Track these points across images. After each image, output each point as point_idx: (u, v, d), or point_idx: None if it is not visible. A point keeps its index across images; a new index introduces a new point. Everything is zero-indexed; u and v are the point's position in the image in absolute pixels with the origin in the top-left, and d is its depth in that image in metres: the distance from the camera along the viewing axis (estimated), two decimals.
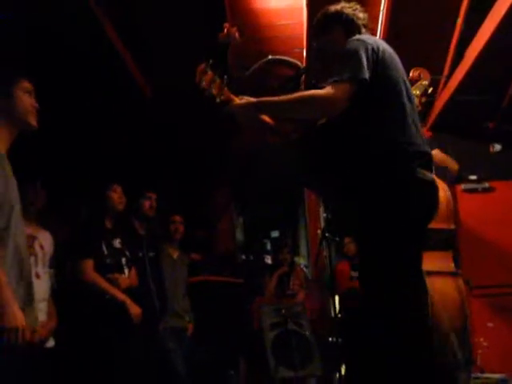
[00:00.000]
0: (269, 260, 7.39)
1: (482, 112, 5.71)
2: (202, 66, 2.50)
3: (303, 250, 8.19)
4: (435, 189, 2.43)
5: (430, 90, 3.76)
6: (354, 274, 6.07)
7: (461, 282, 3.57)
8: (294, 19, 5.13)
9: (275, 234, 8.43)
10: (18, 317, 2.26)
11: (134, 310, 3.86)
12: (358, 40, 2.49)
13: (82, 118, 5.06)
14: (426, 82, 3.70)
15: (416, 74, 3.71)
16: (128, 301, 3.85)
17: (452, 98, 5.40)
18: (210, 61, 2.50)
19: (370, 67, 2.38)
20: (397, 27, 4.94)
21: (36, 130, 2.59)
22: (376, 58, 2.42)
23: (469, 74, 4.92)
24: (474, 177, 5.77)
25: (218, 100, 2.49)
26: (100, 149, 5.44)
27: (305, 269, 6.91)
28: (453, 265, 3.61)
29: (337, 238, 5.16)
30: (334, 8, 2.76)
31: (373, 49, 2.43)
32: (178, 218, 5.11)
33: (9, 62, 2.72)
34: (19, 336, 2.25)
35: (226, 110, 2.51)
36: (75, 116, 4.92)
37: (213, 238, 6.19)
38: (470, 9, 4.87)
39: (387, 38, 4.94)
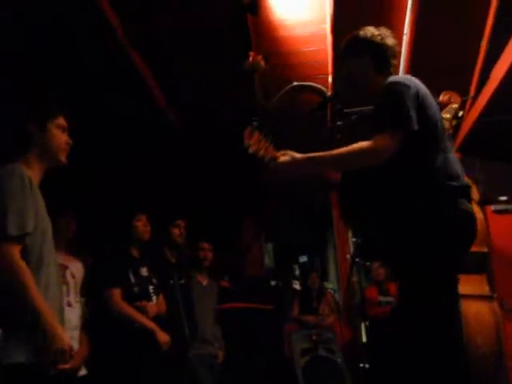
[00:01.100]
0: (297, 285, 7.35)
1: (510, 132, 5.66)
2: (248, 128, 2.55)
3: (332, 274, 8.15)
4: (475, 219, 2.47)
5: (461, 114, 3.75)
6: (383, 298, 6.02)
7: (496, 305, 3.52)
8: (318, 45, 5.17)
9: (303, 258, 8.41)
10: (64, 339, 2.29)
11: (163, 337, 3.86)
12: (402, 84, 2.51)
13: (109, 148, 5.14)
14: (456, 106, 3.70)
15: (446, 97, 3.72)
16: (156, 328, 3.85)
17: (479, 119, 5.37)
18: (255, 123, 2.56)
19: (416, 113, 2.42)
20: (421, 50, 4.95)
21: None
22: (418, 102, 2.46)
23: (495, 95, 4.90)
24: (504, 198, 5.70)
25: (266, 160, 2.55)
26: (127, 178, 5.52)
27: (334, 294, 6.86)
28: (488, 288, 3.57)
29: (367, 263, 5.13)
30: (363, 34, 2.75)
31: (416, 93, 2.47)
32: (206, 246, 5.13)
33: (46, 97, 2.77)
34: (66, 358, 2.28)
35: (270, 168, 2.56)
36: (101, 146, 5.01)
37: (242, 264, 6.19)
38: (494, 30, 4.87)
39: (411, 60, 4.95)
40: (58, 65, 4.16)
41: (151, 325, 3.85)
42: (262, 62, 5.01)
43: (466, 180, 2.52)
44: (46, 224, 2.53)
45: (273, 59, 5.12)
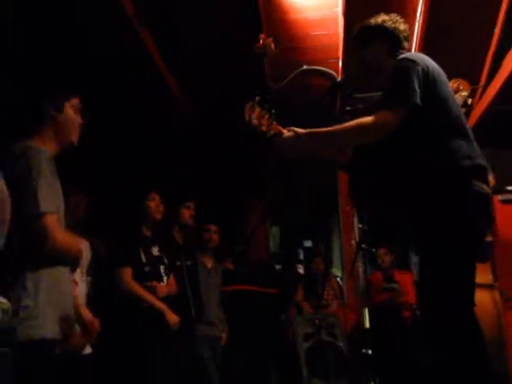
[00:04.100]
0: (301, 269, 7.37)
1: None
2: (250, 103, 2.53)
3: (336, 260, 8.16)
4: (491, 201, 2.43)
5: (470, 101, 3.73)
6: (387, 285, 6.04)
7: (497, 294, 3.53)
8: (329, 29, 5.14)
9: (308, 243, 8.42)
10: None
11: (172, 318, 3.88)
12: (409, 60, 2.50)
13: (122, 130, 5.15)
14: (465, 93, 3.68)
15: (455, 85, 3.69)
16: (166, 309, 3.87)
17: (489, 108, 5.34)
18: (257, 97, 2.54)
19: (421, 88, 2.40)
20: (433, 35, 4.91)
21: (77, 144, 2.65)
22: (426, 78, 2.45)
23: (506, 84, 4.87)
24: (511, 188, 5.67)
25: (268, 135, 2.53)
26: (139, 159, 5.53)
27: (338, 279, 6.87)
28: (491, 277, 3.57)
29: (373, 250, 5.14)
30: (374, 21, 2.76)
31: (423, 69, 2.45)
32: (212, 227, 5.14)
33: (63, 79, 2.80)
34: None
35: (276, 143, 2.54)
36: (115, 127, 5.02)
37: (247, 247, 6.20)
38: (508, 18, 4.82)
39: (423, 45, 4.92)
40: (72, 46, 4.16)
41: (161, 305, 3.87)
42: (272, 45, 4.98)
43: (482, 161, 2.46)
44: (62, 205, 2.55)
45: (283, 42, 5.09)
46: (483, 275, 3.54)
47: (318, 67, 5.36)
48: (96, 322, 2.87)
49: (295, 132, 2.56)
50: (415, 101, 2.39)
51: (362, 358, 5.71)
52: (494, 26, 4.99)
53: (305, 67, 5.35)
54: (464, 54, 5.05)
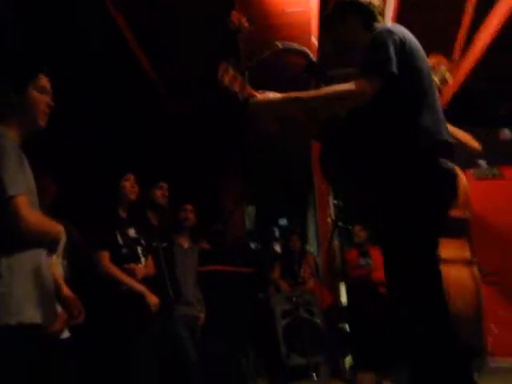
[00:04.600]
0: (278, 248, 7.37)
1: (492, 99, 5.69)
2: (224, 64, 2.50)
3: (312, 237, 8.20)
4: (456, 178, 2.45)
5: (448, 76, 3.73)
6: (363, 261, 6.10)
7: (476, 270, 3.57)
8: (302, 6, 5.10)
9: (283, 221, 8.43)
10: None
11: (152, 299, 3.87)
12: (385, 31, 2.50)
13: (95, 110, 5.06)
14: (444, 68, 3.67)
15: (435, 60, 3.67)
16: (145, 291, 3.86)
17: (462, 85, 5.38)
18: (231, 59, 2.51)
19: (397, 58, 2.40)
20: (406, 11, 4.90)
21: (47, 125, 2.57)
22: (403, 48, 2.45)
23: (479, 61, 4.90)
24: (483, 162, 5.75)
25: (240, 97, 2.50)
26: (112, 140, 5.44)
27: (314, 256, 6.91)
28: (469, 253, 3.62)
29: (349, 227, 5.16)
30: None
31: (400, 39, 2.46)
32: (188, 207, 5.10)
33: (25, 59, 2.68)
34: None
35: (249, 105, 2.51)
36: (87, 107, 4.93)
37: (223, 227, 6.19)
38: None
39: (397, 19, 4.90)
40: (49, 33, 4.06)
41: (140, 288, 3.85)
42: (246, 23, 4.91)
43: (449, 137, 2.48)
44: (33, 186, 2.50)
45: (256, 19, 5.03)
46: (461, 251, 3.58)
47: (292, 45, 5.32)
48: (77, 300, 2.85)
49: (271, 95, 2.53)
50: (392, 69, 2.39)
51: (338, 333, 5.77)
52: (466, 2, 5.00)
53: (279, 45, 5.32)
54: (437, 30, 5.06)
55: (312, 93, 2.49)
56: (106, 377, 3.72)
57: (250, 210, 8.30)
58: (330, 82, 4.26)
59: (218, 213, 6.68)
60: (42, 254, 2.48)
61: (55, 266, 3.01)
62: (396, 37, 2.46)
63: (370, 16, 2.71)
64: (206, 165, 6.66)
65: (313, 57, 5.27)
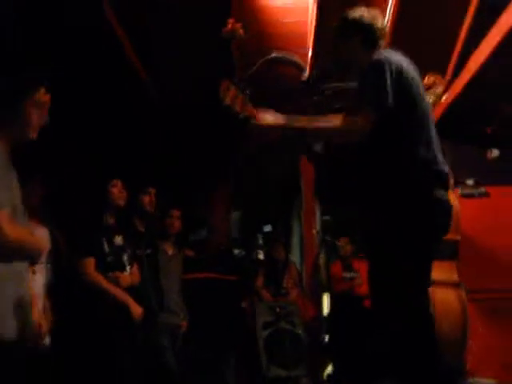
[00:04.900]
0: (261, 255, 7.35)
1: (481, 117, 5.71)
2: (226, 82, 2.48)
3: (295, 246, 8.18)
4: (451, 208, 2.46)
5: (444, 98, 3.75)
6: (346, 274, 6.10)
7: (463, 293, 3.58)
8: (299, 17, 5.07)
9: (268, 227, 8.39)
10: None
11: (136, 309, 3.83)
12: (383, 60, 2.50)
13: (83, 115, 4.99)
14: (440, 90, 3.69)
15: (431, 80, 3.70)
16: (129, 300, 3.81)
17: (453, 103, 5.39)
18: (233, 77, 2.50)
19: (394, 89, 2.43)
20: (402, 28, 4.91)
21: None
22: (400, 78, 2.47)
23: (472, 80, 4.91)
24: (470, 181, 5.79)
25: (241, 116, 2.49)
26: (100, 145, 5.38)
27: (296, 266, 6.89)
28: (456, 276, 3.63)
29: (337, 242, 5.17)
30: (353, 15, 2.76)
31: (397, 68, 2.48)
32: (175, 213, 5.05)
33: (21, 73, 2.59)
34: None
35: (250, 126, 2.50)
36: (75, 112, 4.85)
37: (208, 234, 6.16)
38: (478, 12, 4.84)
39: (393, 35, 4.90)
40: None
41: (124, 297, 3.81)
42: (241, 31, 4.88)
43: (445, 167, 2.51)
44: (18, 200, 2.44)
45: (252, 28, 5.00)
46: (449, 274, 3.60)
47: (286, 55, 5.30)
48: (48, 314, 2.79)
49: (273, 117, 2.53)
50: (388, 103, 2.41)
51: (319, 345, 5.78)
52: (462, 21, 5.02)
53: (273, 55, 5.30)
54: (432, 47, 5.07)
55: (312, 124, 2.50)
56: None
57: (235, 215, 8.27)
58: (323, 94, 4.28)
59: (202, 218, 6.63)
60: (21, 266, 2.42)
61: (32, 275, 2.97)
62: (393, 66, 2.48)
63: (372, 38, 2.72)
64: (195, 169, 6.62)
65: (306, 68, 5.32)
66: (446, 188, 2.51)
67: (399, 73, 2.48)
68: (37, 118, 2.45)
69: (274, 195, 8.42)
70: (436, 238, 2.54)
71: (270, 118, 2.53)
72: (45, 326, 3.41)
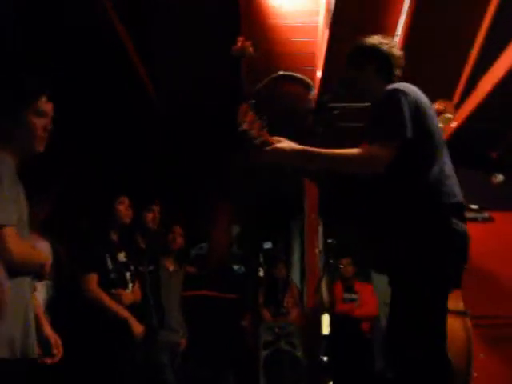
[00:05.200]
0: (261, 272, 7.31)
1: (487, 142, 5.71)
2: (245, 106, 2.46)
3: (296, 264, 8.15)
4: (467, 240, 2.43)
5: (454, 124, 3.73)
6: (347, 295, 6.07)
7: (469, 322, 3.55)
8: (308, 36, 5.09)
9: (268, 244, 8.36)
10: None
11: (137, 327, 3.77)
12: (401, 92, 2.46)
13: (87, 130, 4.97)
14: (450, 116, 3.68)
15: (441, 106, 3.67)
16: (131, 319, 3.76)
17: (459, 127, 5.38)
18: (253, 101, 2.47)
19: (412, 122, 2.39)
20: (411, 52, 4.91)
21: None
22: (417, 111, 2.43)
23: (480, 106, 4.91)
24: (475, 206, 5.76)
25: (256, 142, 2.46)
26: (103, 161, 5.36)
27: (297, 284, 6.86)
28: (462, 304, 3.59)
29: (341, 266, 5.14)
30: (370, 42, 2.71)
31: (415, 102, 2.44)
32: (178, 230, 5.02)
33: (22, 81, 2.54)
34: None
35: (265, 152, 2.47)
36: (80, 128, 4.83)
37: (209, 250, 6.12)
38: (487, 39, 4.85)
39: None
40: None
41: (125, 315, 3.75)
42: (251, 49, 4.89)
43: (461, 198, 2.49)
44: (24, 213, 2.41)
45: (261, 46, 5.01)
46: (454, 302, 3.55)
47: (294, 74, 5.30)
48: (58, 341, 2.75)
49: (288, 145, 2.49)
50: (408, 135, 2.38)
51: (319, 365, 5.73)
52: (471, 47, 5.02)
53: (281, 73, 5.30)
54: (440, 73, 5.08)
55: (330, 153, 2.43)
56: None
57: (234, 229, 8.24)
58: (330, 114, 4.27)
59: (203, 232, 6.60)
60: (24, 282, 2.39)
61: (36, 299, 2.93)
62: (411, 98, 2.44)
63: (388, 67, 2.67)
64: (196, 183, 6.60)
65: (313, 87, 5.32)
66: (464, 219, 2.49)
67: (416, 105, 2.44)
68: (41, 128, 2.39)
69: (274, 211, 8.38)
70: (457, 270, 2.49)
71: (285, 144, 2.51)
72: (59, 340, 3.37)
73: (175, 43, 5.00)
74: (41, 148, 2.44)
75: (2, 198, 2.20)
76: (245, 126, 2.44)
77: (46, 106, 2.43)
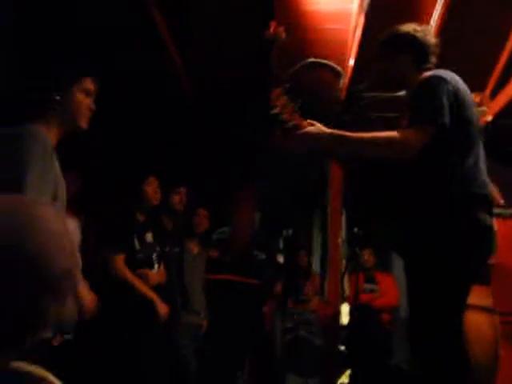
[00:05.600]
0: (281, 259, 7.31)
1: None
2: (279, 90, 2.48)
3: (316, 253, 8.14)
4: (491, 232, 2.42)
5: (490, 119, 3.69)
6: (368, 286, 6.05)
7: (496, 319, 3.51)
8: (341, 24, 5.02)
9: (288, 232, 8.35)
10: None
11: (162, 308, 3.81)
12: (439, 77, 2.44)
13: (120, 113, 4.98)
14: (485, 109, 3.63)
15: (478, 99, 3.62)
16: (156, 299, 3.79)
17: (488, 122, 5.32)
18: (287, 85, 2.48)
19: (450, 109, 2.37)
20: (445, 44, 4.85)
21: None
22: (456, 99, 2.41)
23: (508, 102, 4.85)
24: (501, 202, 5.69)
25: (288, 125, 2.49)
26: (133, 144, 5.38)
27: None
28: (490, 301, 3.56)
29: (360, 253, 5.12)
30: (405, 30, 2.68)
31: (453, 88, 2.42)
32: (202, 212, 5.02)
33: (73, 58, 2.60)
34: None
35: (297, 135, 2.49)
36: (112, 110, 4.85)
37: (232, 235, 6.13)
38: None
39: None
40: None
41: (152, 295, 3.79)
42: (283, 34, 4.86)
43: (487, 190, 2.46)
44: (62, 190, 2.42)
45: (293, 32, 4.96)
46: (484, 298, 3.52)
47: (325, 61, 5.27)
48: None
49: (319, 129, 2.50)
50: (444, 121, 2.36)
51: (337, 354, 5.73)
52: (507, 39, 4.94)
53: (312, 59, 5.26)
54: (473, 65, 5.00)
55: (364, 138, 2.45)
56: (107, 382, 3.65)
57: (257, 216, 8.22)
58: (360, 101, 4.24)
59: (226, 217, 6.60)
60: None
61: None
62: (449, 86, 2.42)
63: (423, 55, 2.63)
64: (221, 168, 6.60)
65: (343, 74, 5.28)
66: (491, 213, 2.46)
67: (455, 92, 2.42)
68: (85, 105, 2.44)
69: (297, 200, 8.37)
70: (479, 263, 2.50)
71: (316, 128, 2.51)
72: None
73: (209, 29, 4.98)
74: (84, 125, 2.47)
75: (33, 175, 2.17)
76: (277, 110, 2.46)
77: (91, 85, 2.48)
